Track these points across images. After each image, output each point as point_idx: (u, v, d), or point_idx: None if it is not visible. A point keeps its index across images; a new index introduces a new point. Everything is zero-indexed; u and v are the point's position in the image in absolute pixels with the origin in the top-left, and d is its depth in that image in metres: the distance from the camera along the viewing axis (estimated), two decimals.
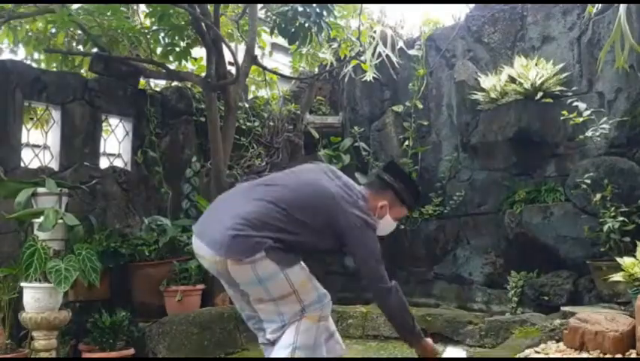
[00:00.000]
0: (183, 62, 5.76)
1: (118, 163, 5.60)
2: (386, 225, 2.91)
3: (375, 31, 7.05)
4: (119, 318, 4.28)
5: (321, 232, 2.65)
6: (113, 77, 5.47)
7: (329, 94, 7.86)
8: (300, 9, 5.25)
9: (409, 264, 6.78)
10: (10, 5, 5.01)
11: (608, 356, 3.45)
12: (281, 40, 6.22)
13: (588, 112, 5.14)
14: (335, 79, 7.72)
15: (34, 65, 5.51)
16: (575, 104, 5.26)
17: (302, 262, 2.70)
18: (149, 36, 5.63)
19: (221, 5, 5.65)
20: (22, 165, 4.81)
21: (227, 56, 5.67)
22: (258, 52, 6.19)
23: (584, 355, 3.53)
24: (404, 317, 2.78)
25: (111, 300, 4.67)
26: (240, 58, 5.81)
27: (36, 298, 3.91)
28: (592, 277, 4.91)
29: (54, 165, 5.02)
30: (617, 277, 3.98)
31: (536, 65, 5.75)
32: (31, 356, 3.94)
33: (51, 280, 3.86)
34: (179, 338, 4.45)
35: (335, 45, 7.02)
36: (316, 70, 7.47)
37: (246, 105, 6.67)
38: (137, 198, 5.54)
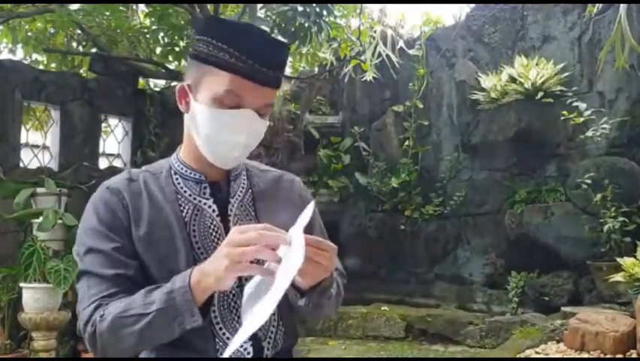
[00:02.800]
0: (183, 62, 5.75)
1: (117, 163, 5.58)
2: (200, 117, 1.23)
3: (375, 31, 7.04)
4: None
5: None
6: (112, 77, 5.46)
7: (329, 94, 7.85)
8: (300, 9, 5.24)
9: (409, 264, 6.76)
10: (9, 5, 5.00)
11: (608, 356, 3.45)
12: None
13: (588, 112, 5.13)
14: (335, 79, 7.70)
15: (33, 65, 5.51)
16: (575, 104, 5.25)
17: None
18: (148, 36, 5.62)
19: (221, 5, 5.64)
20: (21, 165, 4.80)
21: None
22: None
23: (585, 355, 3.52)
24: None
25: None
26: None
27: (35, 299, 3.90)
28: (592, 277, 4.90)
29: (53, 165, 5.01)
30: (618, 277, 3.98)
31: (537, 64, 5.74)
32: (31, 357, 3.93)
33: (50, 280, 3.84)
34: None
35: (335, 45, 7.00)
36: (316, 70, 7.46)
37: None
38: None
